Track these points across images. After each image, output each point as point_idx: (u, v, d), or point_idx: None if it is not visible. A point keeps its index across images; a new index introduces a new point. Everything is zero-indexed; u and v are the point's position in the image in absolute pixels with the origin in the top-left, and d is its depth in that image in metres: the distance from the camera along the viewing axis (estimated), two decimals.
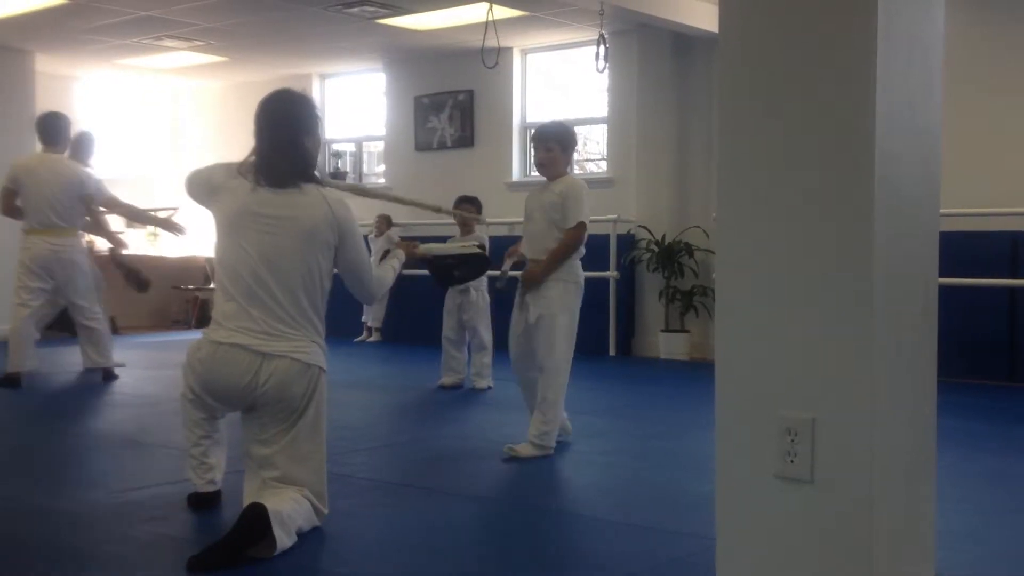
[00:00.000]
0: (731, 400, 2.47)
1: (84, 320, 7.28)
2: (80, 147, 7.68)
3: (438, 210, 5.18)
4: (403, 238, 7.05)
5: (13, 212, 7.23)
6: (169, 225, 7.63)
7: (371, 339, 10.84)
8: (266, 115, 3.60)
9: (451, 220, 7.38)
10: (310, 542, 3.38)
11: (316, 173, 3.68)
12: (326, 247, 3.55)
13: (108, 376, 7.42)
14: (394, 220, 10.92)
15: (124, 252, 7.82)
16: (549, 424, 4.89)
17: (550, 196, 5.07)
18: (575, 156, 5.25)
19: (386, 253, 4.18)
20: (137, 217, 8.21)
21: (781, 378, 2.37)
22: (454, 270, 5.54)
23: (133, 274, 7.71)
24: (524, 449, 4.85)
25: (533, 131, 5.29)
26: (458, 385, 7.20)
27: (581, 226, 5.03)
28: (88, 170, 7.44)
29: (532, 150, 5.22)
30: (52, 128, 7.31)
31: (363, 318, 10.89)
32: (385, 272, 3.95)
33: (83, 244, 7.25)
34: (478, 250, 5.18)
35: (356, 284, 3.77)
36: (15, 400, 6.68)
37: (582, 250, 5.16)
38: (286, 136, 3.57)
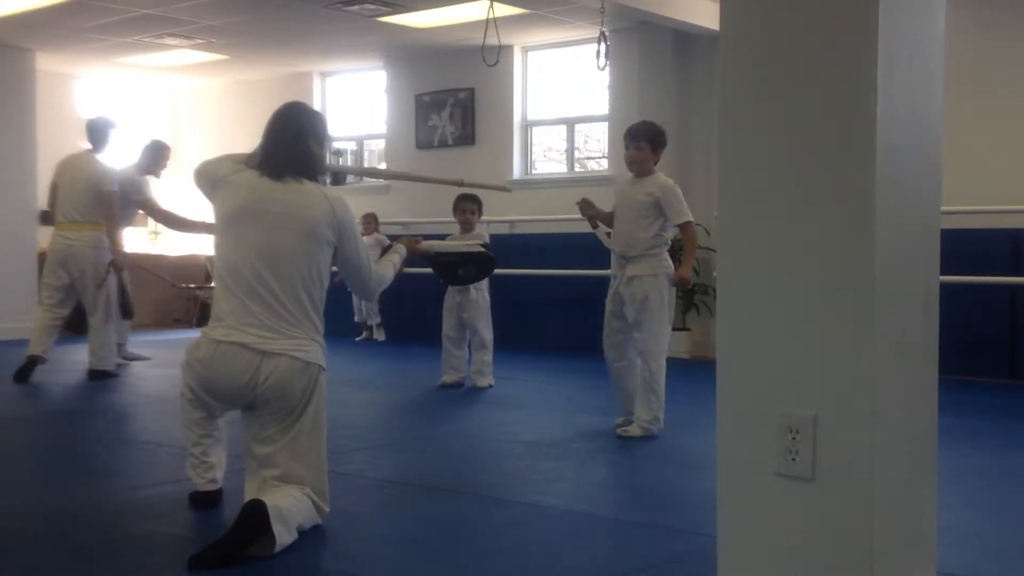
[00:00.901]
0: (732, 398, 2.47)
1: (90, 318, 7.41)
2: (145, 156, 7.99)
3: (460, 183, 5.17)
4: (391, 236, 7.03)
5: (54, 208, 7.53)
6: (208, 229, 7.79)
7: (377, 337, 10.81)
8: (277, 117, 3.70)
9: (451, 217, 7.37)
10: (311, 540, 3.39)
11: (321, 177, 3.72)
12: (326, 245, 3.57)
13: (94, 376, 7.40)
14: (396, 217, 10.92)
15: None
16: (654, 409, 5.29)
17: (640, 195, 5.30)
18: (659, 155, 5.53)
19: (387, 249, 4.18)
20: (175, 223, 8.18)
21: (782, 376, 2.37)
22: (458, 268, 5.50)
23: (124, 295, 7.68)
24: (634, 430, 5.28)
25: (625, 130, 5.57)
26: (459, 383, 7.19)
27: (691, 223, 5.38)
28: (116, 169, 7.60)
29: (623, 148, 5.49)
30: (91, 130, 7.61)
31: (356, 318, 10.85)
32: (385, 269, 3.96)
33: (101, 241, 7.33)
34: (482, 249, 5.15)
35: (356, 282, 3.80)
36: (16, 399, 6.68)
37: (668, 241, 5.47)
38: (293, 133, 3.64)
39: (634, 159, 5.35)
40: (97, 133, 7.55)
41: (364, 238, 9.98)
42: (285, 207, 3.52)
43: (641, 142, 5.33)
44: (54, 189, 7.51)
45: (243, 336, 3.41)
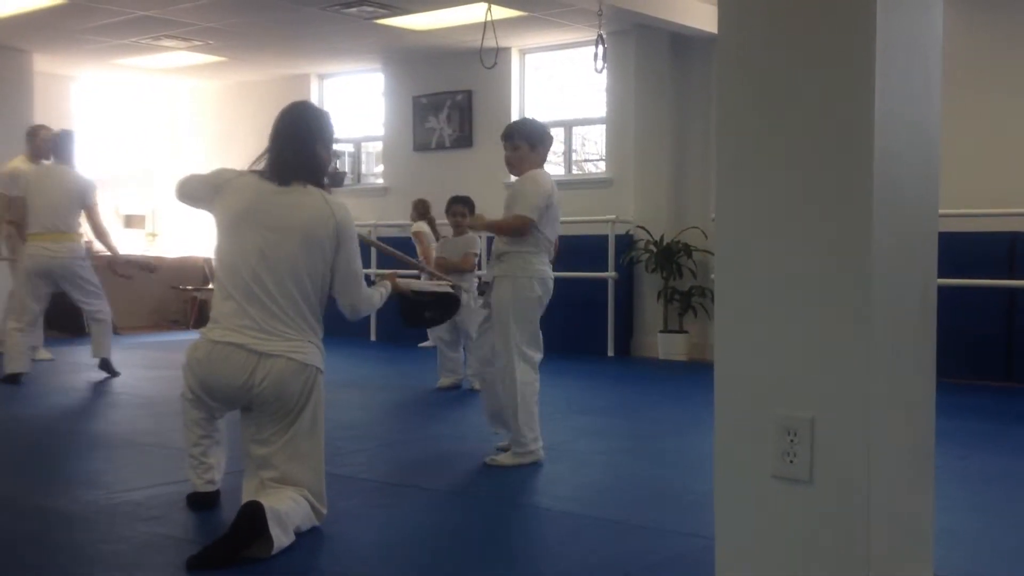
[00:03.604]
0: (730, 400, 2.47)
1: (90, 318, 7.51)
2: (70, 146, 8.03)
3: (419, 269, 5.12)
4: (383, 238, 7.00)
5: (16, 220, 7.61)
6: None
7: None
8: (286, 119, 3.66)
9: (444, 220, 7.41)
10: (308, 542, 3.39)
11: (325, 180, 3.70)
12: (327, 250, 3.56)
13: (106, 367, 7.54)
14: (392, 220, 10.87)
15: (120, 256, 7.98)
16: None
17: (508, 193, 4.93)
18: (546, 154, 4.97)
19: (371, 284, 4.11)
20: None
21: (780, 378, 2.37)
22: (426, 311, 5.42)
23: (139, 266, 8.05)
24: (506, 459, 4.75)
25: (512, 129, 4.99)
26: (456, 386, 7.20)
27: (521, 218, 4.71)
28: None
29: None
30: (62, 144, 7.63)
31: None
32: (373, 295, 3.86)
33: (82, 250, 7.44)
34: (452, 291, 5.04)
35: (344, 294, 3.68)
36: (13, 400, 6.68)
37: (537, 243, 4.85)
38: (300, 139, 3.62)
39: (509, 160, 4.89)
40: (65, 148, 7.57)
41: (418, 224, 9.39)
42: (288, 211, 3.51)
43: (517, 140, 4.84)
44: (14, 201, 7.56)
45: (240, 337, 3.42)
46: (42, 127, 8.28)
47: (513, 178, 4.97)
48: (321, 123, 3.70)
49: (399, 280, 4.27)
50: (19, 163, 8.29)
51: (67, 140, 7.63)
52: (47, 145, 7.87)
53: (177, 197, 3.77)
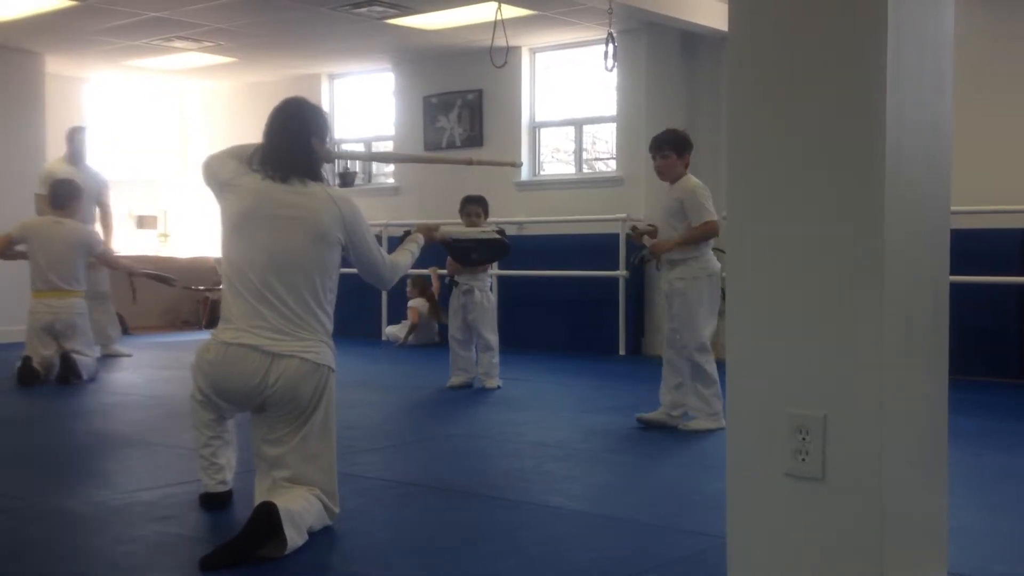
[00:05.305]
0: (742, 398, 2.47)
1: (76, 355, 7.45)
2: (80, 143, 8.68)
3: (469, 162, 5.21)
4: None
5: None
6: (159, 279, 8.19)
7: None
8: (278, 114, 3.67)
9: (459, 219, 7.40)
10: (321, 541, 3.39)
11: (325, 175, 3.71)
12: (336, 246, 3.57)
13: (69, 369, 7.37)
14: (404, 219, 10.87)
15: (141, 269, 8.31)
16: (701, 402, 5.43)
17: (670, 200, 5.54)
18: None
19: (405, 235, 4.18)
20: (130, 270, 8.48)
21: (792, 376, 2.37)
22: (472, 252, 5.64)
23: (159, 279, 8.21)
24: (695, 424, 5.42)
25: (643, 135, 5.85)
26: (467, 384, 7.20)
27: (711, 223, 5.42)
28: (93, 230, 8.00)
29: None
30: (65, 194, 7.70)
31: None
32: (401, 257, 3.97)
33: (84, 306, 7.57)
34: (496, 235, 5.22)
35: (370, 274, 3.83)
36: (24, 400, 6.70)
37: (711, 242, 5.61)
38: (295, 131, 3.62)
39: (660, 168, 5.57)
40: (65, 198, 7.61)
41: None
42: (292, 211, 3.52)
43: (666, 150, 5.51)
44: (23, 253, 7.55)
45: (253, 338, 3.42)
46: (80, 128, 8.79)
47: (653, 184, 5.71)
48: (314, 116, 3.70)
49: (441, 230, 4.39)
50: (56, 165, 8.74)
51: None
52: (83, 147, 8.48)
53: (203, 180, 3.79)
